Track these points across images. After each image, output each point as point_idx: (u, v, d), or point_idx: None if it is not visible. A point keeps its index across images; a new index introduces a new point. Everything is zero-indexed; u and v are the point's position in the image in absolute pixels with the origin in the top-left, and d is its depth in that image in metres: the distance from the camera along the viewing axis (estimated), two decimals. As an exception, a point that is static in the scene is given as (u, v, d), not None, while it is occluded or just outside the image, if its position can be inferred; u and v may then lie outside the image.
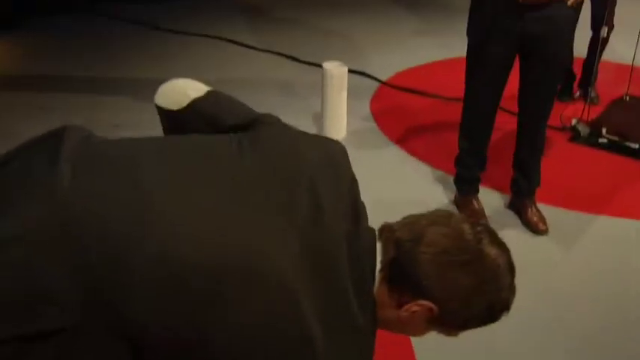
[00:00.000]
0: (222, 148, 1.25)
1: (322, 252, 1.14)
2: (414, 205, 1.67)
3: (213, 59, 5.10)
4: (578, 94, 4.34)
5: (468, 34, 2.85)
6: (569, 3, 2.62)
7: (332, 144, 1.35)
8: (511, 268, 1.22)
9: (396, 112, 4.21)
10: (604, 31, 3.77)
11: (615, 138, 3.73)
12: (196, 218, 1.08)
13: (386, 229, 1.23)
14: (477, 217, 3.04)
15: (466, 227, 1.21)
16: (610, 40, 4.04)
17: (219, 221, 1.09)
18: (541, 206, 3.08)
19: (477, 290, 1.17)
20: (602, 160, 3.66)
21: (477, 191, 3.16)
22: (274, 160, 1.22)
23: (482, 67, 2.82)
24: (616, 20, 4.05)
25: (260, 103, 4.18)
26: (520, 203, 3.10)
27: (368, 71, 4.79)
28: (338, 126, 3.82)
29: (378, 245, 1.23)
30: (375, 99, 4.42)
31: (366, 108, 4.25)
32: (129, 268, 1.02)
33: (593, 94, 4.20)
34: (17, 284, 0.99)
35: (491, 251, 1.19)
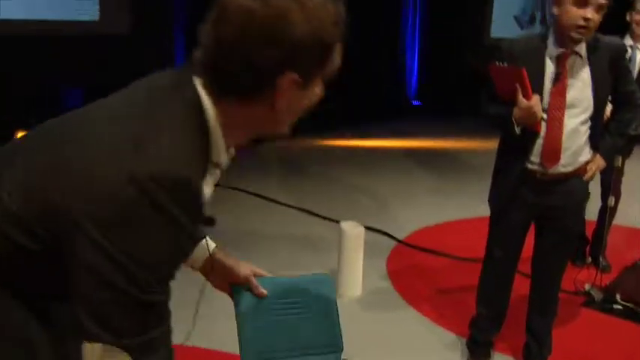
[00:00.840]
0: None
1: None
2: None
3: (231, 210, 5.31)
4: (589, 259, 4.43)
5: (490, 201, 3.00)
6: (586, 177, 2.78)
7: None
8: None
9: (412, 272, 4.31)
10: (611, 200, 3.93)
11: (630, 305, 3.78)
12: None
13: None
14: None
15: None
16: (621, 204, 4.19)
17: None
18: (554, 374, 3.09)
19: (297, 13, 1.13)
20: (616, 326, 3.68)
21: (489, 356, 3.20)
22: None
23: (502, 233, 2.95)
24: (626, 184, 4.22)
25: (275, 256, 4.39)
26: None
27: (385, 228, 4.96)
28: (354, 284, 3.92)
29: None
30: (392, 257, 4.54)
31: (382, 266, 4.37)
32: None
33: (604, 263, 4.29)
34: None
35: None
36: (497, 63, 2.65)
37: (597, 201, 4.32)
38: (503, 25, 9.04)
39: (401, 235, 4.91)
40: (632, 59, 4.14)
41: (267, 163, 6.81)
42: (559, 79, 2.64)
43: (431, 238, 4.90)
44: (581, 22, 2.49)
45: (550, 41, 2.66)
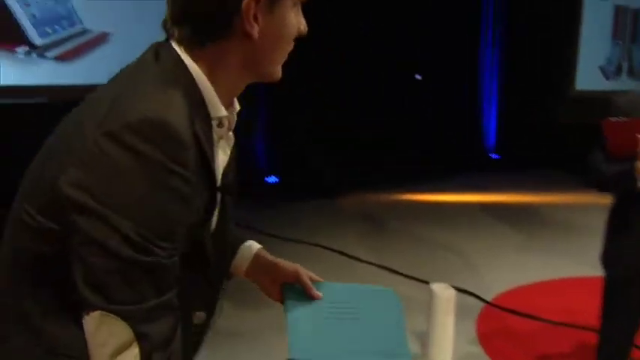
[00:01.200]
0: None
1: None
2: None
3: (312, 267, 5.20)
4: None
5: (607, 264, 2.83)
6: None
7: None
8: None
9: (504, 336, 4.12)
10: None
11: None
12: None
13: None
14: None
15: None
16: None
17: None
18: None
19: None
20: None
21: None
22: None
23: (626, 303, 2.77)
24: None
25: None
26: None
27: (471, 288, 4.78)
28: (444, 350, 3.75)
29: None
30: (481, 320, 4.36)
31: (471, 329, 4.19)
32: None
33: None
34: None
35: None
36: (611, 119, 2.54)
37: None
38: (588, 76, 8.81)
39: (488, 296, 4.72)
40: None
41: (345, 218, 6.74)
42: None
43: (521, 299, 4.69)
44: None
45: None
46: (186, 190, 1.07)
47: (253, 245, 1.56)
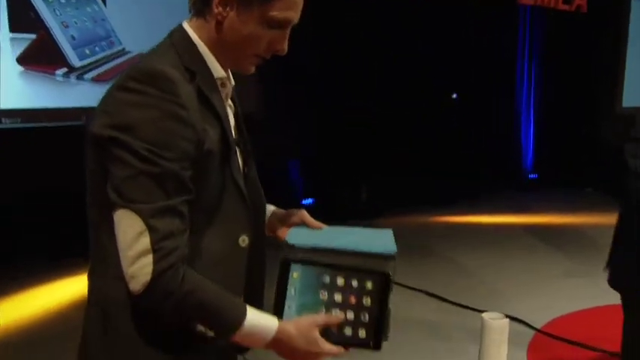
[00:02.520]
0: None
1: None
2: None
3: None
4: None
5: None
6: None
7: None
8: None
9: (558, 367, 4.02)
10: None
11: None
12: None
13: None
14: None
15: None
16: None
17: None
18: None
19: None
20: None
21: None
22: None
23: None
24: None
25: (408, 345, 4.19)
26: None
27: (521, 316, 4.66)
28: (497, 381, 3.66)
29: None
30: (532, 348, 4.25)
31: (523, 358, 4.09)
32: None
33: None
34: None
35: None
36: None
37: None
38: (635, 93, 8.66)
39: (539, 324, 4.60)
40: None
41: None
42: None
43: (572, 327, 4.57)
44: None
45: None
46: (182, 113, 1.36)
47: (271, 206, 1.79)
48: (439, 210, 7.93)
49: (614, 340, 3.98)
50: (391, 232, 1.68)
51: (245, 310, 1.43)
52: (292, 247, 1.60)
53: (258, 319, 1.44)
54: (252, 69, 1.54)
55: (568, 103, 8.93)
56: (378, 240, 1.65)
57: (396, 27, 7.81)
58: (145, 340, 1.44)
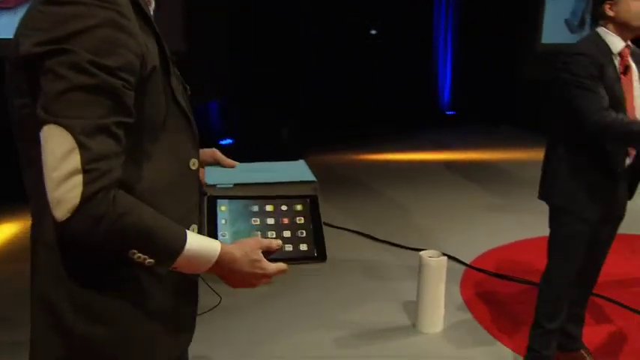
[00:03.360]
0: None
1: None
2: None
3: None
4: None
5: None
6: None
7: None
8: None
9: (490, 301, 4.14)
10: None
11: None
12: None
13: None
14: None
15: None
16: None
17: None
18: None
19: None
20: None
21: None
22: None
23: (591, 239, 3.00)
24: None
25: (345, 286, 4.23)
26: None
27: (451, 252, 4.76)
28: (434, 319, 3.74)
29: None
30: (465, 285, 4.37)
31: (457, 296, 4.20)
32: None
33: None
34: None
35: None
36: None
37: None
38: (553, 30, 8.87)
39: (468, 258, 4.74)
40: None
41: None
42: (626, 73, 2.78)
43: (499, 261, 4.73)
44: None
45: (609, 40, 2.77)
46: (123, 22, 1.26)
47: None
48: (361, 149, 7.98)
49: (538, 272, 4.15)
50: (304, 162, 1.73)
51: (185, 232, 1.34)
52: (213, 187, 1.58)
53: (199, 242, 1.36)
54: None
55: (485, 41, 9.06)
56: (295, 171, 1.70)
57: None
58: (88, 277, 1.35)
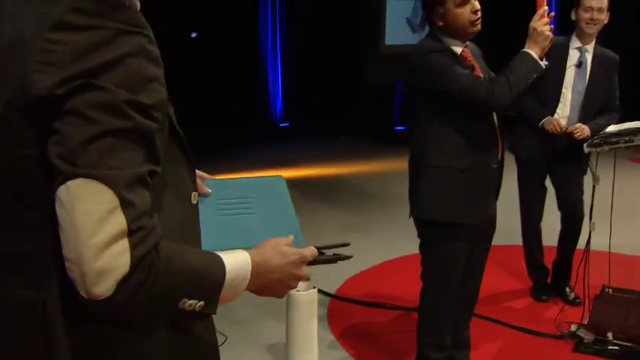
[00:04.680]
0: None
1: None
2: None
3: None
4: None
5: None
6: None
7: None
8: None
9: (365, 333, 3.81)
10: (592, 226, 3.64)
11: (627, 344, 3.50)
12: None
13: None
14: None
15: None
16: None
17: None
18: None
19: None
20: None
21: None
22: None
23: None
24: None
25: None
26: None
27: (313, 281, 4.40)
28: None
29: None
30: (333, 318, 4.00)
31: (326, 331, 3.81)
32: None
33: (572, 295, 4.08)
34: None
35: None
36: None
37: (554, 225, 4.10)
38: (396, 30, 8.83)
39: (331, 288, 4.37)
40: (582, 63, 3.93)
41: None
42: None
43: (365, 287, 4.43)
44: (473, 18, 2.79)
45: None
46: (152, 49, 1.13)
47: None
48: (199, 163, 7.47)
49: (409, 296, 3.90)
50: (283, 185, 1.68)
51: (216, 254, 1.22)
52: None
53: (231, 257, 1.24)
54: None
55: (321, 43, 8.89)
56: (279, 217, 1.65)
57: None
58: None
